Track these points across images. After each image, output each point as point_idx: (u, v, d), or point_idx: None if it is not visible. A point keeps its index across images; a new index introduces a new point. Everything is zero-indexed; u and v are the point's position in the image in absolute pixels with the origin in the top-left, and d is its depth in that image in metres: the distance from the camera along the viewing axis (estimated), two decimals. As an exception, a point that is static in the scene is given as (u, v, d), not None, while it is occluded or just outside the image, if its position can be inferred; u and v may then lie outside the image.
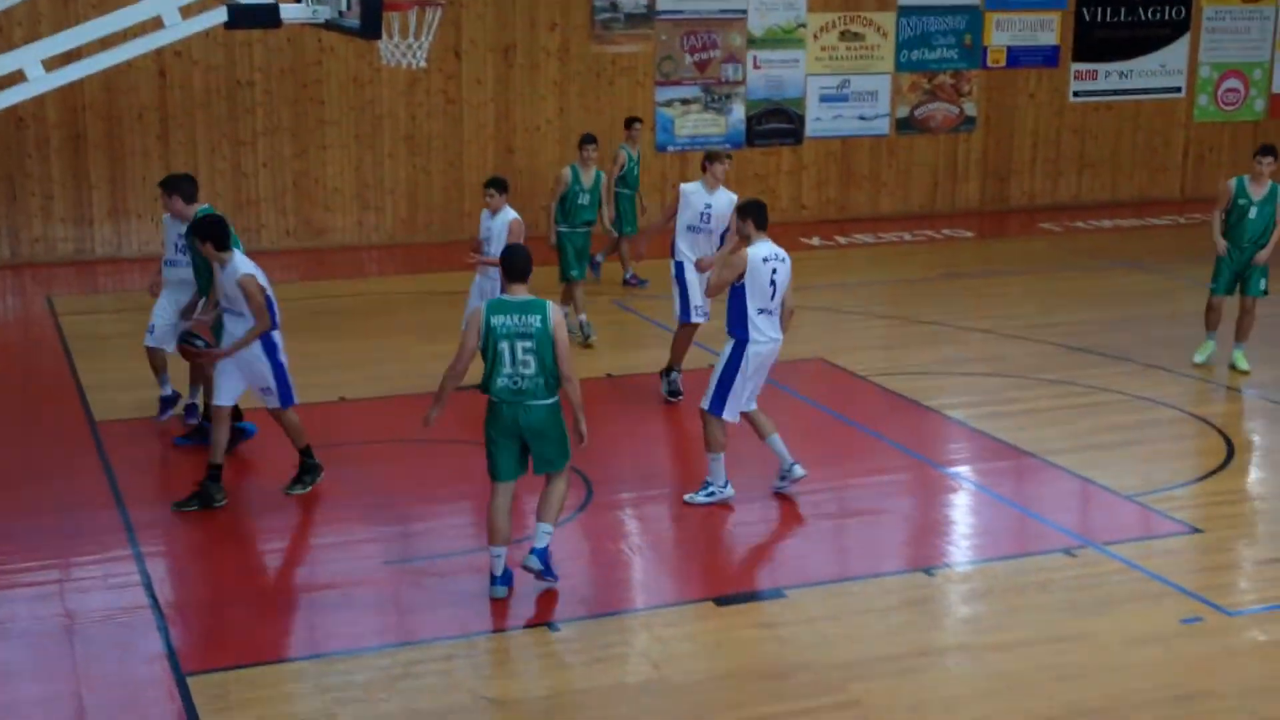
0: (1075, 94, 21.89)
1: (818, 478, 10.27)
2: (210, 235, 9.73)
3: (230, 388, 9.92)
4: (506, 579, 8.57)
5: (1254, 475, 10.92)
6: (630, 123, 16.82)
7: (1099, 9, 21.75)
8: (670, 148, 19.80)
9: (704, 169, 12.06)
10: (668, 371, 12.36)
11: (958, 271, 17.61)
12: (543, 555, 8.54)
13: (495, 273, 12.08)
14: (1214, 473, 10.69)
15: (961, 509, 10.27)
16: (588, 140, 14.75)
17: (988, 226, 20.75)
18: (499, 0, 18.82)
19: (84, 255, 17.67)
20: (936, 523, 9.98)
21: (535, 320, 8.25)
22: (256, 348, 9.75)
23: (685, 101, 19.89)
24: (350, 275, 17.39)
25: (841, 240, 19.50)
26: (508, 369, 8.27)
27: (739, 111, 20.14)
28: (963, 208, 21.50)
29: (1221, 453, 11.10)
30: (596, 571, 9.07)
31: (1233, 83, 22.71)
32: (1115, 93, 22.12)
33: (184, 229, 10.84)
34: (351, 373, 13.02)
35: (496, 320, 8.27)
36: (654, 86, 19.73)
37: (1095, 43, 21.84)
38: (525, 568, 8.56)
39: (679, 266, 12.02)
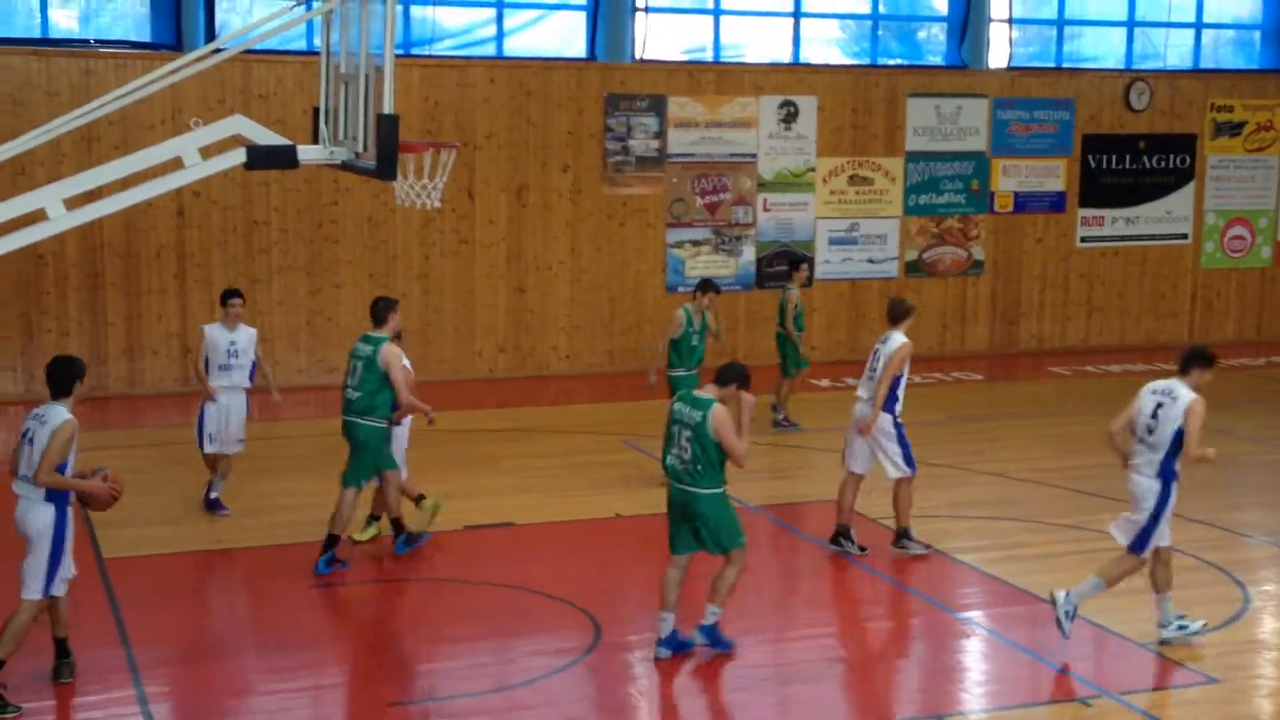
0: (1082, 239, 22.12)
1: (828, 620, 10.15)
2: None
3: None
4: (669, 644, 9.51)
5: (1269, 624, 10.78)
6: (799, 263, 17.28)
7: (1105, 157, 22.06)
8: (680, 288, 19.96)
9: (898, 321, 11.80)
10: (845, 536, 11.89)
11: (967, 415, 17.61)
12: (708, 632, 9.57)
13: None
14: (1230, 621, 10.56)
15: (975, 655, 10.15)
16: (710, 288, 14.45)
17: (997, 369, 20.80)
18: (512, 142, 19.15)
19: (98, 392, 17.73)
20: (950, 669, 9.85)
21: (698, 415, 9.33)
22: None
23: (695, 243, 20.11)
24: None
25: (851, 382, 19.46)
26: (674, 449, 9.46)
27: (749, 253, 20.34)
28: (972, 350, 21.59)
29: (1237, 600, 10.98)
30: (599, 716, 8.93)
31: (1238, 230, 22.93)
32: (1122, 238, 22.34)
33: (237, 336, 12.56)
34: (361, 510, 12.95)
35: (677, 406, 9.53)
36: (664, 228, 19.97)
37: (1101, 189, 22.12)
38: (693, 643, 9.57)
39: (900, 426, 11.73)
